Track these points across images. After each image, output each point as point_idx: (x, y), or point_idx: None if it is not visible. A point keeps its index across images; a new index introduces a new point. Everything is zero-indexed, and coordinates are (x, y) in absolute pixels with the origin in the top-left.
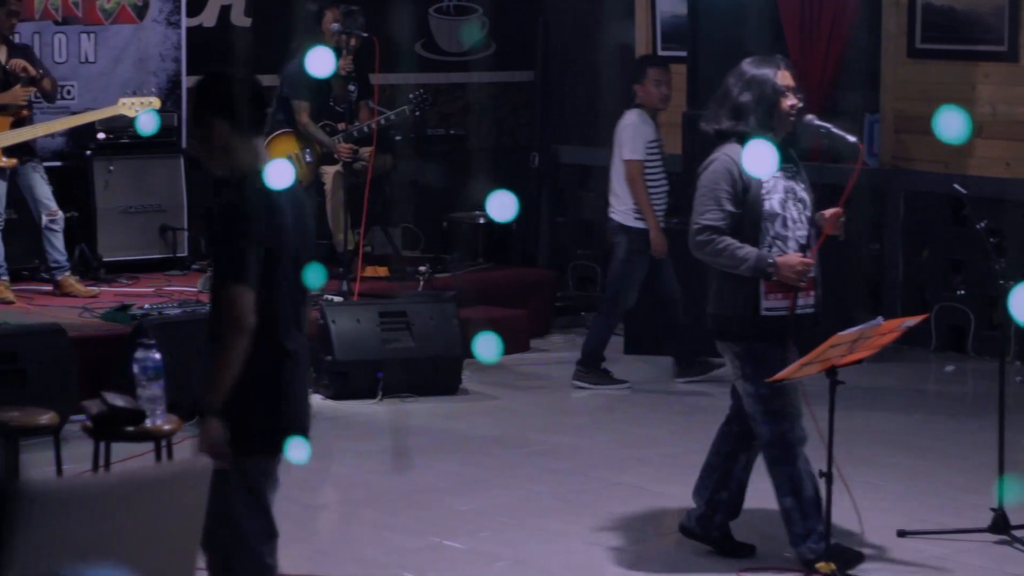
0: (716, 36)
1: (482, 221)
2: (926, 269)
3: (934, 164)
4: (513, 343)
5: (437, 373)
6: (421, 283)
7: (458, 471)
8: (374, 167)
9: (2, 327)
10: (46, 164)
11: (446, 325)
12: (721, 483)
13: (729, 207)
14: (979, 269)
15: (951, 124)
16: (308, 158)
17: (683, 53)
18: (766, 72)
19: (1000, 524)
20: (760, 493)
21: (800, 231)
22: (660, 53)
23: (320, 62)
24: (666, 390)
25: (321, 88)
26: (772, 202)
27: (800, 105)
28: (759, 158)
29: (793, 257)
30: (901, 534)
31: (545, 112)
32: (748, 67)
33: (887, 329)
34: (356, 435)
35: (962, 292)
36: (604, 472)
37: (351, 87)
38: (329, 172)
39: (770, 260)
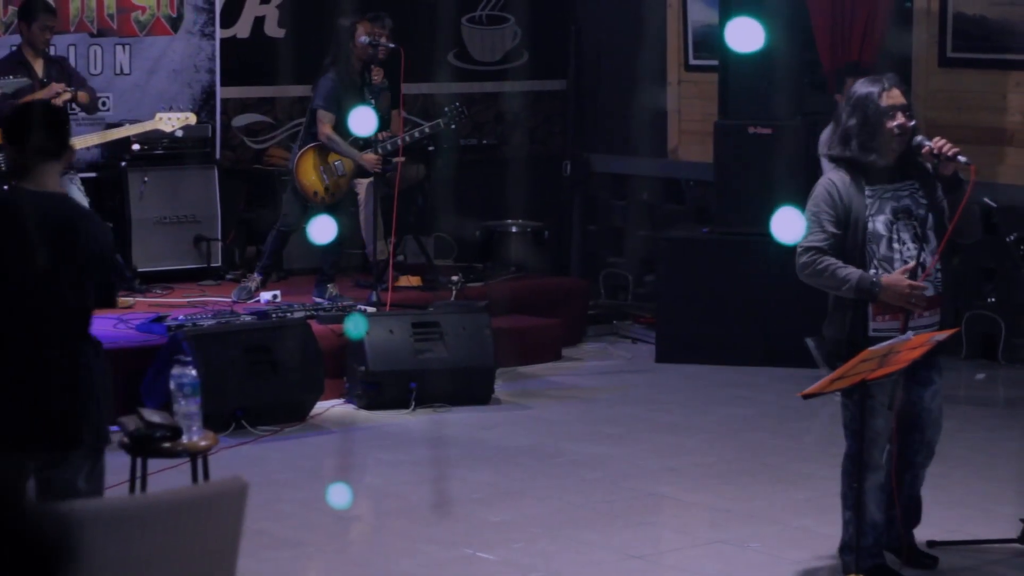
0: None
1: (515, 230)
2: (957, 277)
3: (964, 173)
4: (545, 352)
5: (470, 383)
6: (454, 292)
7: (491, 482)
8: (406, 177)
9: None
10: (81, 175)
11: (479, 335)
12: (892, 501)
13: (831, 228)
14: (1010, 277)
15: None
16: (340, 170)
17: (714, 62)
18: (870, 93)
19: None
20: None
21: (911, 252)
22: (691, 62)
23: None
24: (698, 400)
25: (353, 102)
26: (876, 223)
27: (909, 124)
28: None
29: (901, 280)
30: (932, 544)
31: (578, 120)
32: (857, 88)
33: (917, 343)
34: (389, 446)
35: (992, 300)
36: (637, 482)
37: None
38: (363, 183)
39: (875, 280)
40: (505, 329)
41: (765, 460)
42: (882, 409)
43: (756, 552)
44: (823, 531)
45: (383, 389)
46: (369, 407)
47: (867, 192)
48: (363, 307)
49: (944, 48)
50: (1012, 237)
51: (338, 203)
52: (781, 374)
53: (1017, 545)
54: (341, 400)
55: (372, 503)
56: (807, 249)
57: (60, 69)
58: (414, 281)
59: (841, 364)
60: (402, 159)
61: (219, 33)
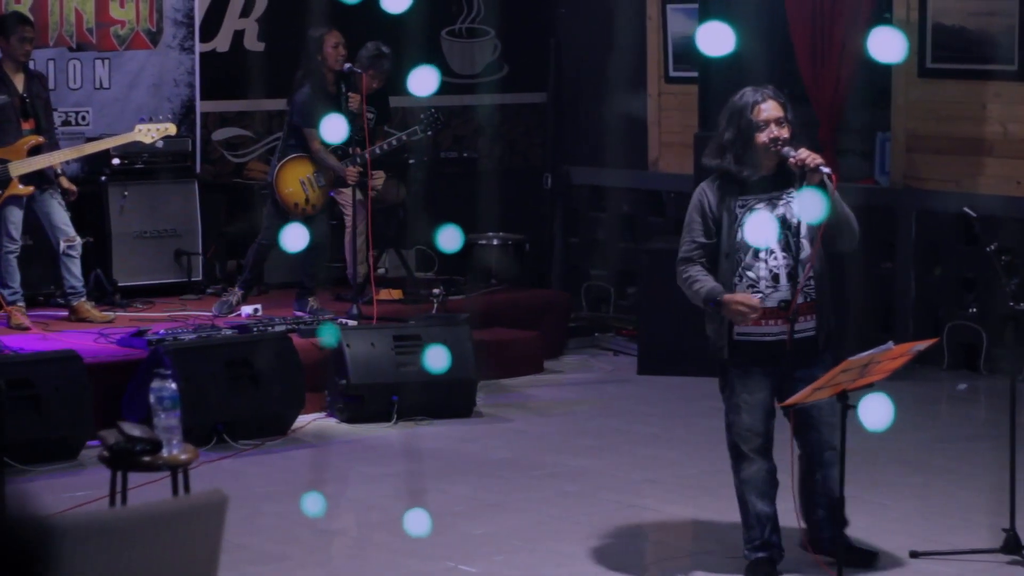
0: (727, 57)
1: (495, 243)
2: (938, 288)
3: (945, 183)
4: (527, 365)
5: (451, 396)
6: (435, 305)
7: (472, 494)
8: (386, 198)
9: (16, 356)
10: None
11: (460, 348)
12: (812, 503)
13: (701, 239)
14: (991, 287)
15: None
16: (320, 182)
17: (694, 74)
18: (745, 105)
19: (1012, 544)
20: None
21: (779, 260)
22: (671, 74)
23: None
24: (679, 412)
25: (332, 114)
26: (744, 233)
27: (784, 135)
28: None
29: (739, 296)
30: (914, 555)
31: (557, 133)
32: (734, 100)
33: (897, 353)
34: (371, 459)
35: (974, 310)
36: (618, 494)
37: (370, 114)
38: (348, 199)
39: (718, 299)
40: (486, 342)
41: None
42: (746, 407)
43: (738, 562)
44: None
45: (364, 402)
46: (350, 420)
47: (739, 202)
48: (344, 320)
49: (924, 58)
50: (992, 247)
51: (317, 214)
52: None
53: (999, 555)
54: (322, 414)
55: (354, 516)
56: (680, 260)
57: (40, 84)
58: (395, 294)
59: (716, 364)
60: (380, 174)
61: (199, 47)
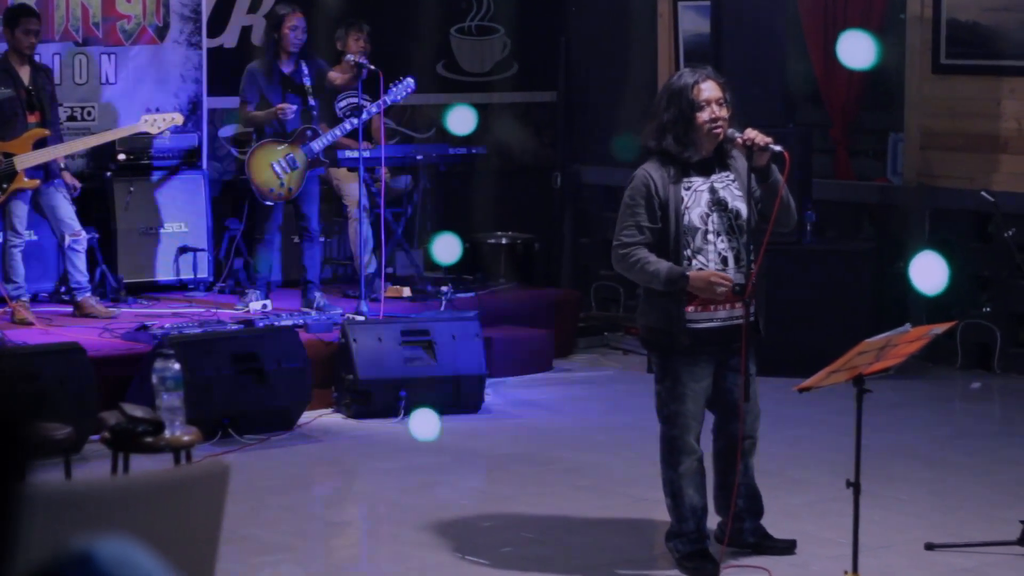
0: (739, 55)
1: (505, 241)
2: (952, 286)
3: (959, 180)
4: (536, 363)
5: (460, 391)
6: (443, 303)
7: (481, 488)
8: (393, 188)
9: (21, 348)
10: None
11: (469, 343)
12: (730, 495)
13: (646, 223)
14: (1005, 286)
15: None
16: (295, 164)
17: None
18: (685, 85)
19: None
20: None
21: (724, 244)
22: None
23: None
24: None
25: (270, 87)
26: (692, 216)
27: (724, 115)
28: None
29: (706, 272)
30: (929, 547)
31: (567, 132)
32: (673, 80)
33: (915, 336)
34: (379, 453)
35: (988, 309)
36: (629, 488)
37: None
38: (351, 198)
39: (683, 273)
40: (495, 339)
41: (760, 466)
42: (692, 395)
43: (751, 555)
44: (822, 535)
45: (372, 397)
46: (358, 416)
47: (684, 184)
48: (351, 315)
49: (938, 54)
50: (1011, 232)
51: (301, 197)
52: (773, 383)
53: (1016, 547)
54: (329, 409)
55: (362, 509)
56: (623, 244)
57: (46, 78)
58: (403, 292)
59: (656, 353)
60: (387, 175)
61: (206, 42)
